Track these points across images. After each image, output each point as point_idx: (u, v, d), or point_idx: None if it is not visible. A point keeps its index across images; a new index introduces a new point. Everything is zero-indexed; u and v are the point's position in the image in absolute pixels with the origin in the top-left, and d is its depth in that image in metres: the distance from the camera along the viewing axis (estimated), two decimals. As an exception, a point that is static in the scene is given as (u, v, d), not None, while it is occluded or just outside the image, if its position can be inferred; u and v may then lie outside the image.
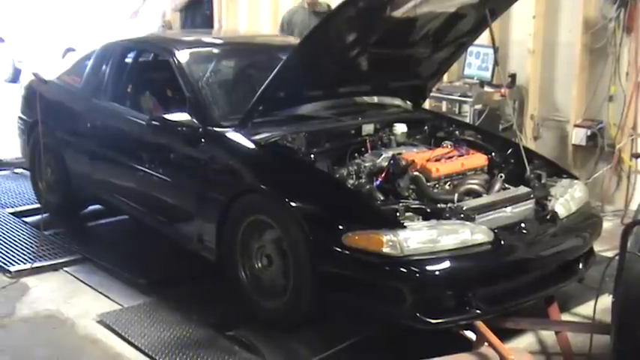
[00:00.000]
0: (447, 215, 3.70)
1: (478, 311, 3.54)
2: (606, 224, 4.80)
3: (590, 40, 6.10)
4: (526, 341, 3.90)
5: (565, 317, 4.08)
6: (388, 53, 4.49)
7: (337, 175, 4.07)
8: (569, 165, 6.04)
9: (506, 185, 4.15)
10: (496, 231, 3.68)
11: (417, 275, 3.42)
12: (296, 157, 4.09)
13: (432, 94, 5.72)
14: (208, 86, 4.59)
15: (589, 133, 6.13)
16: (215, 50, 5.17)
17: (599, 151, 6.14)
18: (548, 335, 3.91)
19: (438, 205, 3.79)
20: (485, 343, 3.37)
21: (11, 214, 5.82)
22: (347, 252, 3.55)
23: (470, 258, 3.55)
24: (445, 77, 6.42)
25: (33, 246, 5.12)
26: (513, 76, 6.51)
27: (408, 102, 5.14)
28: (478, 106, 6.43)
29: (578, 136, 6.20)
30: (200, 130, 4.31)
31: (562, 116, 6.48)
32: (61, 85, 5.70)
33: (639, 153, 5.89)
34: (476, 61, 6.60)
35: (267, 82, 4.13)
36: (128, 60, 5.31)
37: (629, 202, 5.90)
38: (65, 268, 4.82)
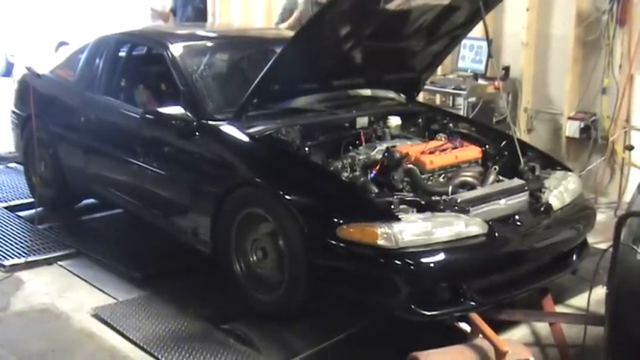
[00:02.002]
0: (442, 207, 3.71)
1: (472, 303, 3.55)
2: (600, 216, 4.82)
3: (583, 32, 6.11)
4: (520, 333, 3.92)
5: (559, 309, 4.10)
6: (382, 46, 4.49)
7: (331, 168, 4.07)
8: (562, 157, 6.05)
9: (500, 177, 4.16)
10: (490, 223, 3.69)
11: (412, 267, 3.43)
12: (290, 150, 4.09)
13: (425, 86, 5.73)
14: (202, 79, 4.58)
15: (582, 125, 6.15)
16: (209, 43, 5.16)
17: (593, 143, 6.16)
18: (543, 327, 3.92)
19: (433, 198, 3.80)
20: (480, 335, 3.38)
21: (5, 208, 5.81)
22: (342, 244, 3.56)
23: (464, 250, 3.56)
24: (439, 70, 6.44)
25: (27, 240, 5.12)
26: (507, 69, 6.53)
27: (401, 95, 5.15)
28: (472, 99, 6.45)
29: (571, 129, 6.22)
30: (194, 123, 4.30)
31: (555, 109, 6.50)
32: (55, 79, 5.69)
33: (632, 145, 5.91)
34: (470, 53, 6.61)
35: (261, 75, 4.13)
36: (122, 53, 5.29)
37: (622, 194, 5.92)
38: (59, 262, 4.82)
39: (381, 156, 4.06)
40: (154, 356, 3.68)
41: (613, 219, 5.20)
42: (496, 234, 3.66)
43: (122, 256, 4.79)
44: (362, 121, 4.55)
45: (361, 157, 4.14)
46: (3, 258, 4.81)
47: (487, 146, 4.43)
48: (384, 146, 4.18)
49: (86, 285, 4.52)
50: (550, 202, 4.01)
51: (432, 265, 3.46)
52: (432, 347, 3.23)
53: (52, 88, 5.64)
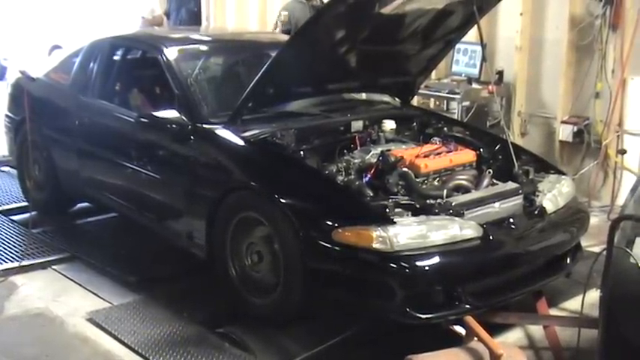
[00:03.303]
0: (436, 211, 3.71)
1: (467, 306, 3.56)
2: (593, 220, 4.84)
3: (576, 37, 6.14)
4: (515, 336, 3.92)
5: (553, 312, 4.11)
6: (377, 50, 4.50)
7: (326, 172, 4.07)
8: (555, 161, 6.07)
9: (495, 181, 4.17)
10: (485, 226, 3.70)
11: (407, 270, 3.43)
12: (285, 154, 4.10)
13: (420, 91, 5.74)
14: (197, 83, 4.57)
15: (575, 129, 6.18)
16: (204, 47, 5.15)
17: (586, 147, 6.18)
18: (537, 330, 3.93)
19: (427, 201, 3.80)
20: (475, 338, 3.39)
21: (-2, 212, 5.80)
22: (337, 248, 3.56)
23: (459, 253, 3.57)
24: (433, 74, 6.44)
25: (21, 244, 5.10)
26: (501, 73, 6.55)
27: (396, 98, 5.16)
28: (466, 103, 6.47)
29: (564, 133, 6.24)
30: (189, 127, 4.30)
31: (549, 113, 6.52)
32: (49, 82, 5.68)
33: (625, 149, 5.94)
34: (464, 58, 6.63)
35: (256, 78, 4.13)
36: (116, 57, 5.29)
37: (615, 197, 5.94)
38: (54, 267, 4.81)
39: (375, 160, 4.06)
40: (148, 360, 3.68)
41: (606, 222, 5.23)
42: (490, 237, 3.67)
43: (116, 260, 4.78)
44: (357, 125, 4.56)
45: (356, 161, 4.15)
46: (-3, 262, 4.80)
47: (481, 150, 4.45)
48: (378, 150, 4.18)
49: (80, 289, 4.50)
50: (544, 205, 4.03)
51: (427, 268, 3.47)
52: (427, 350, 3.23)
53: (46, 92, 5.63)
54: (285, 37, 5.20)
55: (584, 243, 4.36)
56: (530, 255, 3.88)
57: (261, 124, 4.30)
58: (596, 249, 4.16)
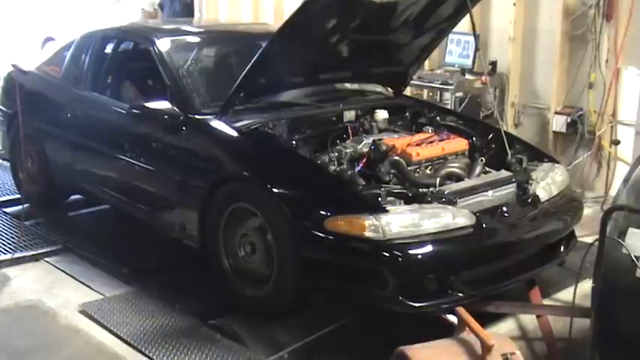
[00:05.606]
0: (429, 199, 3.71)
1: (460, 294, 3.55)
2: (586, 210, 4.82)
3: (570, 27, 6.13)
4: (507, 326, 3.91)
5: (546, 302, 4.09)
6: (369, 39, 4.48)
7: (319, 162, 4.06)
8: (549, 152, 6.03)
9: (488, 169, 4.16)
10: (478, 214, 3.69)
11: (400, 259, 3.42)
12: (278, 144, 4.09)
13: (413, 82, 5.73)
14: (189, 74, 4.55)
15: (569, 120, 6.17)
16: (195, 39, 5.13)
17: (579, 137, 6.18)
18: (529, 321, 3.92)
19: (420, 190, 3.79)
20: (467, 329, 3.38)
21: (-9, 204, 5.78)
22: (330, 237, 3.55)
23: (452, 241, 3.56)
24: (426, 65, 6.44)
25: (13, 236, 5.10)
26: (494, 64, 6.54)
27: (388, 89, 5.15)
28: (459, 94, 6.47)
29: (558, 123, 6.24)
30: (181, 118, 4.29)
31: (542, 103, 6.52)
32: (41, 75, 5.67)
33: (619, 140, 5.94)
34: (457, 48, 6.61)
35: (247, 69, 4.11)
36: (108, 49, 5.28)
37: (608, 188, 5.94)
38: (46, 259, 4.80)
39: (367, 149, 4.05)
40: (141, 352, 3.66)
41: (599, 213, 5.22)
42: (483, 225, 3.66)
43: (109, 252, 4.77)
44: (349, 115, 4.55)
45: (348, 151, 4.13)
46: (-11, 254, 4.78)
47: (474, 138, 4.43)
48: (371, 140, 4.17)
49: (73, 281, 4.50)
50: (537, 193, 4.02)
51: (419, 256, 3.46)
52: (419, 341, 3.23)
53: (39, 85, 5.61)
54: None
55: (577, 233, 4.34)
56: (523, 243, 3.88)
57: (253, 115, 4.28)
58: (589, 239, 4.15)
